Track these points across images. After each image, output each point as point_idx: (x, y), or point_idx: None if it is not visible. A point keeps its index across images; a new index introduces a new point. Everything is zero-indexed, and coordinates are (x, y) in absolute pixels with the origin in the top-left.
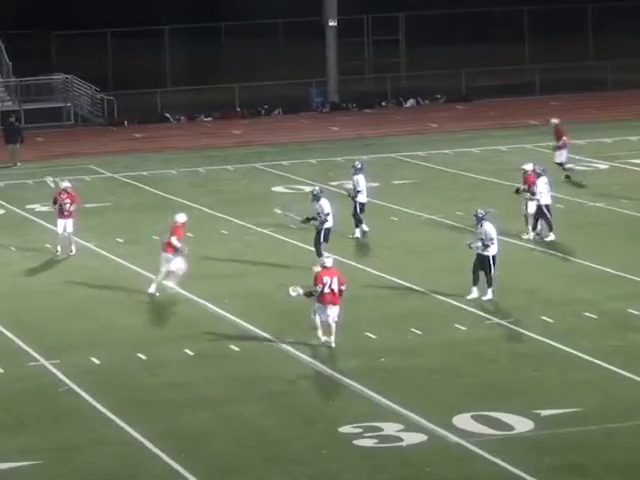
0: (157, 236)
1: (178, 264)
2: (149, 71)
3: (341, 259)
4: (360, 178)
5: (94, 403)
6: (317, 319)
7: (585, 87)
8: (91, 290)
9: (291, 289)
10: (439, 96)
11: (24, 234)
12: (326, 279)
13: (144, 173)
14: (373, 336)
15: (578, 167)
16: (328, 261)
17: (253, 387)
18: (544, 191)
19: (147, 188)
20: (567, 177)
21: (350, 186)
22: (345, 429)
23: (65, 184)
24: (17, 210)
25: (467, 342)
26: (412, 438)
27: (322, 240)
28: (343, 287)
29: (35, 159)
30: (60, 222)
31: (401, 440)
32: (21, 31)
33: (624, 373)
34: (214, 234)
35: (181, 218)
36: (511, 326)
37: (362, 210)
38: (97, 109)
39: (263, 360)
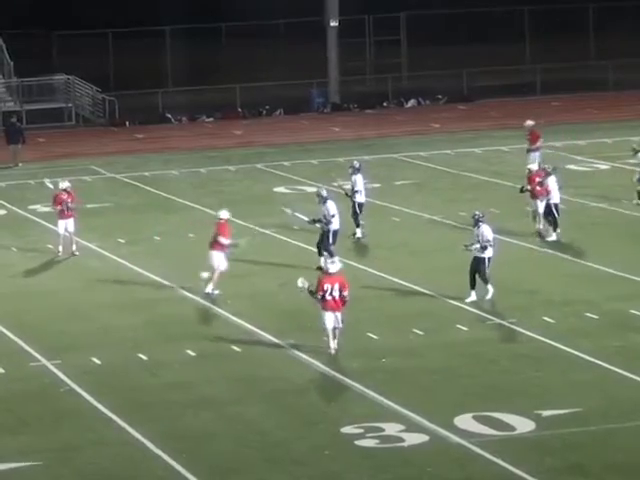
0: (158, 236)
1: (222, 262)
2: (150, 72)
3: (342, 260)
4: (358, 178)
5: (95, 403)
6: (326, 327)
7: (586, 87)
8: (92, 291)
9: (300, 280)
10: (440, 96)
11: (25, 235)
12: (327, 286)
13: (145, 173)
14: (375, 337)
15: (579, 168)
16: (332, 267)
17: (254, 388)
18: (554, 190)
19: (148, 189)
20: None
21: (348, 186)
22: (347, 429)
23: (65, 184)
24: (18, 210)
25: (468, 343)
26: (413, 438)
27: (331, 242)
28: (345, 293)
29: (36, 159)
30: (61, 222)
31: (403, 440)
32: (22, 31)
33: (625, 374)
34: None
35: (224, 215)
36: (512, 326)
37: (361, 210)
38: (98, 109)
39: (264, 361)
